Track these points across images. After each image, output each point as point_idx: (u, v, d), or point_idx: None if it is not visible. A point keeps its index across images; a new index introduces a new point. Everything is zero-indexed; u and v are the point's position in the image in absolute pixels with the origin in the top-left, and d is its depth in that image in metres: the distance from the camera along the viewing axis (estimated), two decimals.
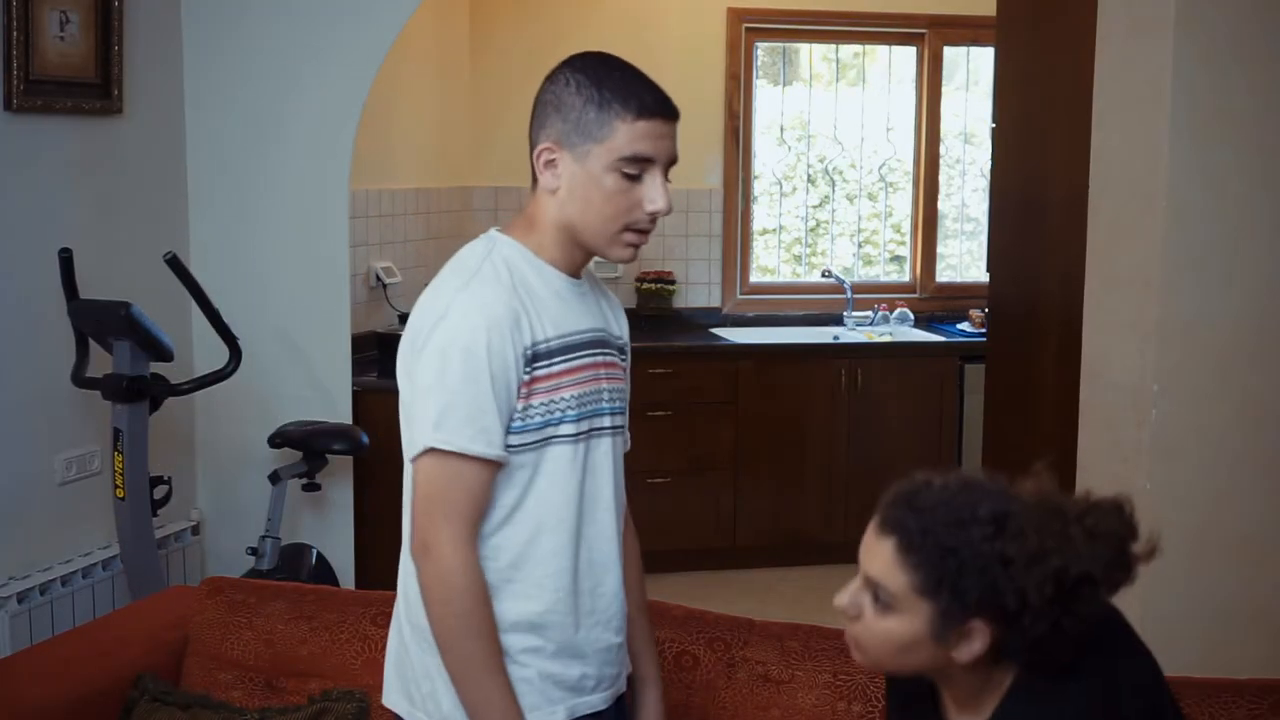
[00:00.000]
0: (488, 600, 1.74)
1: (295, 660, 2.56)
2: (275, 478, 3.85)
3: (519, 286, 1.75)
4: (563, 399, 1.76)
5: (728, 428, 5.37)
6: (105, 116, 3.59)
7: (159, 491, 3.49)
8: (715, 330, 5.75)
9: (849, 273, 6.17)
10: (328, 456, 3.94)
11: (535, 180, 1.80)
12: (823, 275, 6.05)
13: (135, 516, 3.37)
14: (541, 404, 1.74)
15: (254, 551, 3.84)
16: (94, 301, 3.34)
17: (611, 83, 1.74)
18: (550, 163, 1.76)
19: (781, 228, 6.17)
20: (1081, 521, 1.49)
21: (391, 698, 1.89)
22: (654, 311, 5.76)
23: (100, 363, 3.43)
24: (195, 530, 3.99)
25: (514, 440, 1.73)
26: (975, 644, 1.50)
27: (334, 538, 4.15)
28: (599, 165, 1.73)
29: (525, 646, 1.77)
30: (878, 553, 1.53)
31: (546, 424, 1.75)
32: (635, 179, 1.74)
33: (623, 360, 1.92)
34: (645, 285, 5.78)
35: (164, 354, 3.38)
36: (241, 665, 2.59)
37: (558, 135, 1.75)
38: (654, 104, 1.74)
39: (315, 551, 4.03)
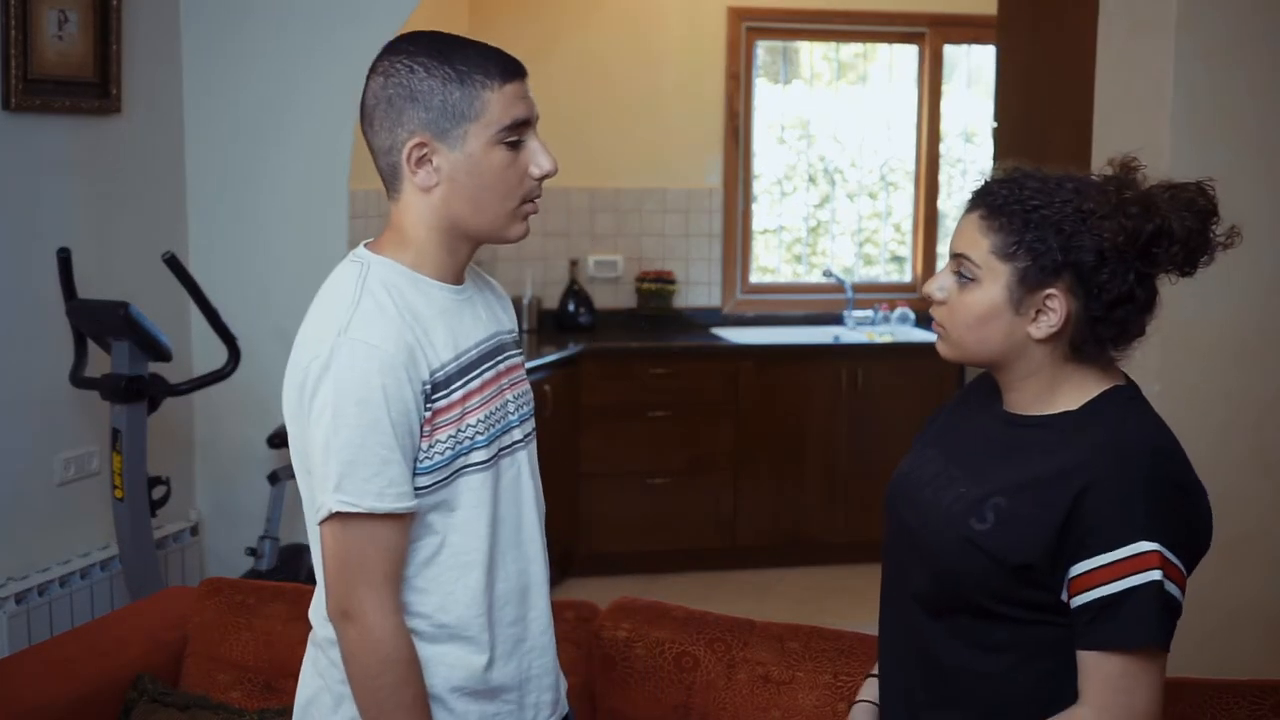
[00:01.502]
0: (418, 665, 1.62)
1: (294, 661, 2.53)
2: (274, 478, 3.84)
3: (405, 313, 1.60)
4: (469, 426, 1.63)
5: (728, 428, 5.35)
6: (104, 116, 3.58)
7: (158, 492, 3.48)
8: (715, 330, 5.73)
9: (849, 272, 6.16)
10: None
11: (391, 186, 1.66)
12: (823, 275, 6.05)
13: (134, 517, 3.37)
14: (448, 437, 1.61)
15: (253, 552, 3.83)
16: (92, 301, 3.33)
17: (461, 55, 1.60)
18: (423, 159, 1.61)
19: (782, 227, 6.16)
20: (1165, 190, 1.56)
21: None
22: (654, 311, 5.75)
23: (99, 363, 3.42)
24: (194, 531, 3.98)
25: (423, 481, 1.60)
26: (1052, 316, 1.56)
27: None
28: (479, 144, 1.60)
29: (465, 692, 1.67)
30: (964, 227, 1.62)
31: (456, 456, 1.62)
32: (517, 146, 1.62)
33: (519, 353, 1.80)
34: (645, 285, 5.77)
35: (163, 354, 3.37)
36: (240, 666, 2.58)
37: (423, 126, 1.60)
38: (509, 65, 1.63)
39: None
